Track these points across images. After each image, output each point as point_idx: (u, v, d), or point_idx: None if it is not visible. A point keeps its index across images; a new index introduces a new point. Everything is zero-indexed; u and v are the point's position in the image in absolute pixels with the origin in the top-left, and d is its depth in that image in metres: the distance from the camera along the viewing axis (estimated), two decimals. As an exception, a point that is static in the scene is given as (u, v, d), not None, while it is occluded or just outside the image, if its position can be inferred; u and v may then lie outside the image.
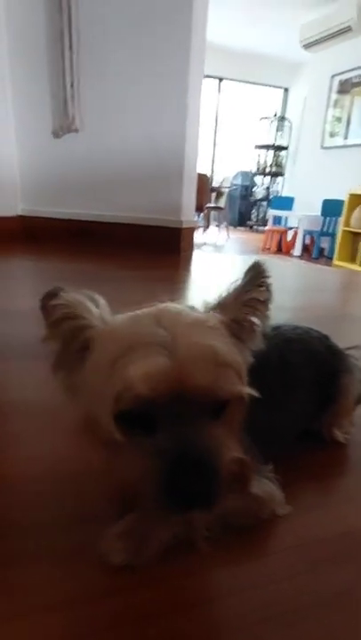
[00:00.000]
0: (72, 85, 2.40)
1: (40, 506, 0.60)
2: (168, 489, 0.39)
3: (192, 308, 0.50)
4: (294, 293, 2.07)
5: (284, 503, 0.59)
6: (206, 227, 6.11)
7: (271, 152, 7.40)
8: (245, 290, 0.51)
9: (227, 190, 6.57)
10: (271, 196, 7.36)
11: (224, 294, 0.51)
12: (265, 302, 0.52)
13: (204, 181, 4.74)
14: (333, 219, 5.26)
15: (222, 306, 0.50)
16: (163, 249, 2.46)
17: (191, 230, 2.74)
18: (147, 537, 0.51)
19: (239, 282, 0.51)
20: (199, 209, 4.86)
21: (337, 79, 5.49)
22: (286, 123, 7.40)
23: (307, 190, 6.09)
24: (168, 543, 0.52)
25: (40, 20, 2.32)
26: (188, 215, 2.65)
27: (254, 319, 0.51)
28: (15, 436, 0.77)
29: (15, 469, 0.67)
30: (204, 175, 4.96)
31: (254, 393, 0.44)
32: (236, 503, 0.54)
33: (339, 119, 5.56)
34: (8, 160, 2.57)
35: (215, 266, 2.67)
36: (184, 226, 2.57)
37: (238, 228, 7.86)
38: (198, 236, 3.84)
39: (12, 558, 0.51)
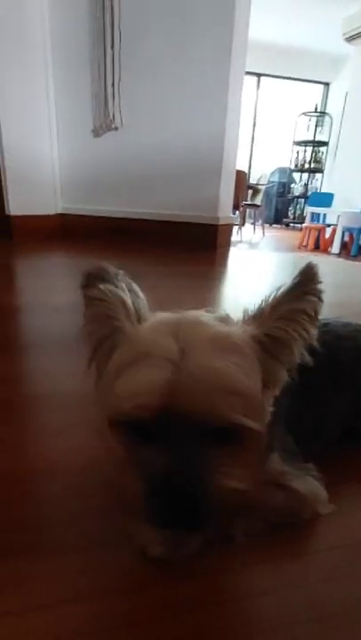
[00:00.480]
0: (113, 84, 2.43)
1: (77, 496, 0.60)
2: (151, 506, 0.39)
3: (223, 317, 0.47)
4: (332, 289, 2.01)
5: (328, 502, 0.57)
6: (242, 224, 6.04)
7: (310, 148, 7.22)
8: (288, 299, 0.45)
9: (263, 187, 6.47)
10: (309, 193, 7.19)
11: (262, 304, 0.46)
12: (312, 315, 0.46)
13: (241, 178, 4.68)
14: (375, 216, 5.07)
15: (257, 317, 0.46)
16: (199, 246, 2.46)
17: (228, 227, 2.72)
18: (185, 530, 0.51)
19: (285, 287, 0.46)
20: (235, 206, 4.81)
21: (381, 71, 5.28)
22: (327, 118, 7.20)
23: (347, 186, 5.90)
24: (207, 537, 0.51)
25: (83, 19, 2.36)
26: (226, 212, 2.63)
27: (294, 333, 0.45)
28: (55, 427, 0.79)
29: (56, 460, 0.68)
30: (242, 172, 4.91)
31: (259, 428, 0.40)
32: (278, 500, 0.54)
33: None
34: (49, 159, 2.64)
35: (251, 263, 2.64)
36: (221, 222, 2.55)
37: (274, 225, 7.73)
38: (233, 234, 3.81)
39: (49, 548, 0.51)
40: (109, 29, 2.35)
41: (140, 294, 0.50)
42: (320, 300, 0.45)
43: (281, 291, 0.46)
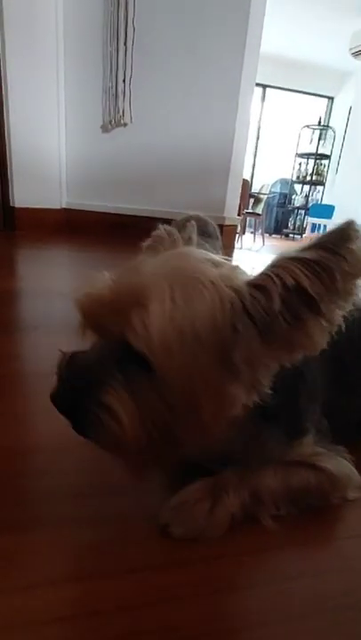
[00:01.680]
0: (124, 80, 2.43)
1: (83, 471, 0.57)
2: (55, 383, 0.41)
3: (220, 262, 0.41)
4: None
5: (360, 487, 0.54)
6: (242, 232, 6.05)
7: (312, 160, 7.29)
8: (299, 249, 0.36)
9: (265, 197, 6.50)
10: (310, 205, 7.24)
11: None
12: (323, 271, 0.35)
13: (244, 186, 4.69)
14: (375, 229, 5.10)
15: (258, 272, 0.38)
16: (204, 245, 2.44)
17: (233, 228, 2.71)
18: (210, 510, 0.48)
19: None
20: (237, 213, 4.82)
21: (386, 87, 5.36)
22: (330, 132, 7.28)
23: (348, 200, 5.94)
24: (233, 517, 0.48)
25: (97, 14, 2.36)
26: (232, 213, 2.62)
27: (278, 280, 0.36)
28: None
29: (59, 435, 0.65)
30: (245, 180, 4.93)
31: (154, 364, 0.35)
32: (308, 479, 0.51)
33: (384, 130, 5.42)
34: (56, 153, 2.62)
35: (255, 263, 2.61)
36: (226, 223, 2.54)
37: (274, 235, 7.76)
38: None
39: (52, 523, 0.48)
40: (123, 25, 2.35)
41: (195, 241, 0.48)
42: (346, 259, 0.35)
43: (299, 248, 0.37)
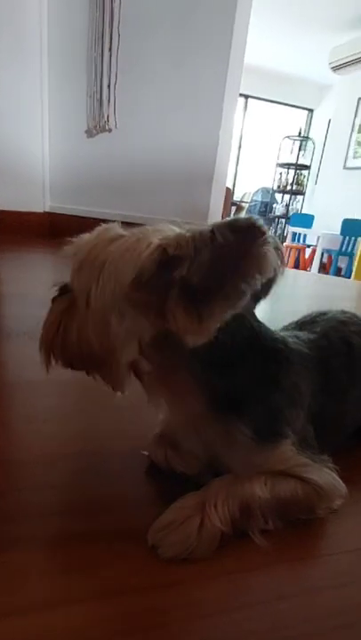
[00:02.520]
0: (109, 86, 2.42)
1: (72, 486, 0.56)
2: None
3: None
4: (306, 300, 2.03)
5: (347, 497, 0.54)
6: (224, 239, 6.10)
7: (293, 170, 7.42)
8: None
9: (246, 205, 6.59)
10: (291, 214, 7.37)
11: None
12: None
13: (227, 194, 4.75)
14: (353, 238, 5.22)
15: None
16: (188, 252, 2.44)
17: (217, 236, 2.72)
18: (199, 528, 0.47)
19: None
20: (220, 220, 4.85)
21: (364, 101, 5.53)
22: (309, 143, 7.44)
23: (327, 209, 6.08)
24: (223, 535, 0.47)
25: (82, 19, 2.34)
26: (216, 220, 2.63)
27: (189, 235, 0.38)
28: (48, 413, 0.74)
29: (50, 446, 0.63)
30: (228, 188, 4.98)
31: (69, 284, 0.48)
32: (296, 489, 0.50)
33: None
34: (39, 156, 2.59)
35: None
36: (211, 231, 2.55)
37: (255, 243, 7.86)
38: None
39: (45, 541, 0.46)
40: (108, 31, 2.34)
41: None
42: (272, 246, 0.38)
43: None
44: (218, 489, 0.49)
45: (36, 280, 1.62)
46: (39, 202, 2.64)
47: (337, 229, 5.39)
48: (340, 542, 0.51)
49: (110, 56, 2.38)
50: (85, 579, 0.42)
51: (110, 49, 2.37)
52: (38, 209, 2.64)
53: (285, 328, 0.69)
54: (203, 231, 0.38)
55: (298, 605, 0.42)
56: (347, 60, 5.37)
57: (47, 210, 2.67)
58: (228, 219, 0.38)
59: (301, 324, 0.68)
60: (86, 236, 0.47)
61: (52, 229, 2.62)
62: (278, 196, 7.78)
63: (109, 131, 2.50)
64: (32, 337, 1.00)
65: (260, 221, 0.38)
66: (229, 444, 0.50)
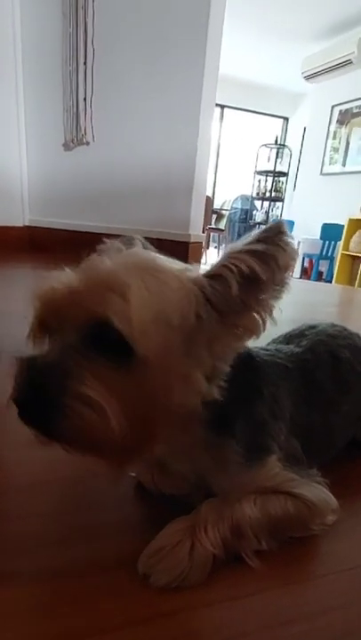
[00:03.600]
0: (85, 99, 2.42)
1: (59, 513, 0.53)
2: (14, 388, 0.38)
3: (187, 266, 0.44)
4: (291, 307, 2.04)
5: (339, 511, 0.53)
6: (206, 247, 6.14)
7: (271, 178, 7.53)
8: (246, 242, 0.41)
9: (227, 213, 6.65)
10: (271, 220, 7.45)
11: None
12: (270, 260, 0.40)
13: (207, 203, 4.79)
14: (332, 242, 5.31)
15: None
16: (170, 262, 2.44)
17: (199, 245, 2.73)
18: (191, 553, 0.45)
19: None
20: (201, 230, 4.88)
21: (337, 109, 5.65)
22: (286, 150, 7.57)
23: (306, 215, 6.17)
24: (215, 559, 0.46)
25: (55, 34, 2.35)
26: (197, 230, 2.64)
27: (233, 267, 0.40)
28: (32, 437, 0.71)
29: (36, 472, 0.61)
30: (208, 197, 5.01)
31: (135, 347, 0.36)
32: (287, 506, 0.49)
33: (336, 149, 5.70)
34: (17, 170, 2.56)
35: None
36: (192, 240, 2.55)
37: (237, 250, 7.93)
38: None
39: (29, 575, 0.44)
40: (82, 45, 2.35)
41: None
42: (285, 249, 0.40)
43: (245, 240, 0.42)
44: (207, 512, 0.48)
45: (17, 297, 1.59)
46: (18, 216, 2.62)
47: (317, 234, 5.48)
48: (336, 561, 0.50)
49: (85, 70, 2.39)
50: (74, 615, 0.40)
51: (85, 63, 2.37)
52: (18, 223, 2.61)
53: (274, 341, 0.68)
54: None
55: (299, 632, 0.41)
56: (319, 70, 5.49)
57: (27, 224, 2.64)
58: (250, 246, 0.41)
59: (289, 338, 0.68)
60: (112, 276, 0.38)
61: (32, 243, 2.59)
62: (258, 203, 7.87)
63: (87, 144, 2.50)
64: (12, 356, 0.98)
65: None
66: (222, 466, 0.49)
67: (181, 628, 0.39)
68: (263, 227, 0.42)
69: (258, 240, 0.41)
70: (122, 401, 0.37)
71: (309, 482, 0.52)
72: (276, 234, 0.41)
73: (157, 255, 0.45)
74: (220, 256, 0.42)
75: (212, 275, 0.41)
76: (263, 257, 0.40)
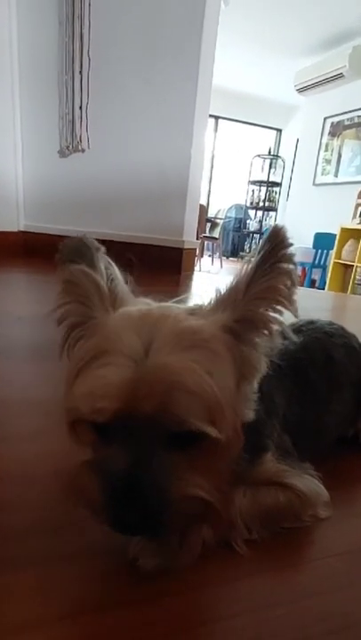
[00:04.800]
0: (81, 107, 2.45)
1: (51, 503, 0.54)
2: (108, 510, 0.36)
3: (194, 310, 0.44)
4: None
5: (330, 504, 0.54)
6: (201, 255, 6.18)
7: (264, 187, 7.63)
8: (261, 274, 0.42)
9: (221, 222, 6.71)
10: (264, 229, 7.53)
11: (233, 284, 0.43)
12: (288, 285, 0.42)
13: (201, 211, 4.83)
14: (325, 251, 5.38)
15: (229, 301, 0.43)
16: (164, 268, 2.46)
17: (192, 252, 2.75)
18: (181, 538, 0.46)
19: (255, 259, 0.42)
20: (195, 237, 4.92)
21: (329, 121, 5.76)
22: (279, 161, 7.68)
23: (299, 224, 6.24)
24: (204, 545, 0.46)
25: (52, 44, 2.38)
26: (190, 237, 2.67)
27: (269, 314, 0.42)
28: (26, 432, 0.72)
29: (29, 465, 0.62)
30: (202, 205, 5.06)
31: (219, 435, 0.36)
32: (277, 497, 0.50)
33: (328, 161, 5.80)
34: (12, 176, 2.58)
35: (215, 286, 2.66)
36: (186, 246, 2.58)
37: (231, 258, 7.98)
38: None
39: (24, 561, 0.45)
40: (78, 55, 2.38)
41: (119, 276, 0.46)
42: (294, 264, 0.42)
43: (251, 265, 0.42)
44: None
45: (12, 300, 1.60)
46: (13, 221, 2.62)
47: (309, 243, 5.54)
48: (322, 548, 0.51)
49: (81, 78, 2.42)
50: (68, 597, 0.41)
51: (81, 72, 2.41)
52: (13, 228, 2.62)
53: None
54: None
55: (284, 613, 0.41)
56: (311, 83, 5.61)
57: (22, 229, 2.65)
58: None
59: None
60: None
61: (26, 248, 2.60)
62: (251, 213, 7.96)
63: (82, 151, 2.52)
64: (6, 356, 0.99)
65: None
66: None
67: (168, 610, 0.40)
68: (265, 239, 0.42)
69: (270, 265, 0.41)
70: (212, 476, 0.39)
71: (301, 473, 0.53)
72: (280, 249, 0.41)
73: (172, 309, 0.43)
74: (233, 290, 0.43)
75: (242, 319, 0.42)
76: (284, 289, 0.42)
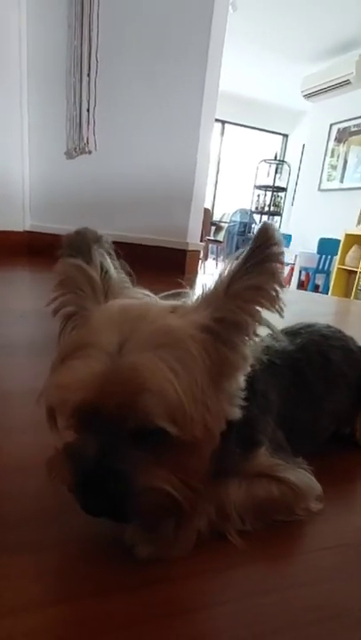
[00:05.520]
0: (88, 109, 2.48)
1: (55, 493, 0.55)
2: (76, 493, 0.39)
3: (176, 307, 0.43)
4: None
5: (322, 498, 0.55)
6: (205, 258, 6.20)
7: (270, 192, 7.64)
8: (244, 271, 0.41)
9: (226, 225, 6.73)
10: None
11: (217, 281, 0.43)
12: (273, 285, 0.41)
13: (206, 215, 4.85)
14: (329, 257, 5.38)
15: (211, 299, 0.43)
16: (168, 269, 2.47)
17: (196, 254, 2.77)
18: (176, 528, 0.47)
19: (241, 256, 0.41)
20: (200, 240, 4.94)
21: (335, 127, 5.78)
22: (285, 166, 7.70)
23: (303, 229, 6.25)
24: (199, 535, 0.47)
25: (60, 47, 2.41)
26: (194, 239, 2.68)
27: (247, 316, 0.41)
28: (25, 423, 0.73)
29: (28, 456, 0.63)
30: (207, 209, 5.09)
31: (179, 433, 0.37)
32: (271, 489, 0.51)
33: (334, 167, 5.81)
34: (19, 177, 2.61)
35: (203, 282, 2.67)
36: (190, 248, 2.59)
37: (235, 262, 8.00)
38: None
39: (22, 547, 0.46)
40: (86, 58, 2.41)
41: (112, 269, 0.48)
42: (280, 263, 0.41)
43: (236, 262, 0.42)
44: None
45: (15, 297, 1.62)
46: (19, 221, 2.65)
47: (313, 248, 5.55)
48: (314, 541, 0.52)
49: (89, 81, 2.45)
50: (64, 582, 0.42)
51: (89, 75, 2.44)
52: (18, 228, 2.64)
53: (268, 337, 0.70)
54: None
55: (274, 602, 0.42)
56: (318, 89, 5.63)
57: (27, 229, 2.68)
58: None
59: (285, 335, 0.70)
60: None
61: (32, 248, 2.62)
62: (256, 217, 7.97)
63: (89, 153, 2.55)
64: (8, 352, 1.00)
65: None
66: (219, 460, 0.49)
67: (160, 596, 0.41)
68: (253, 237, 0.41)
69: (253, 262, 0.41)
70: (178, 471, 0.40)
71: (295, 467, 0.54)
72: (266, 247, 0.41)
73: (154, 304, 0.44)
74: (217, 289, 0.42)
75: (221, 318, 0.41)
76: (267, 287, 0.41)
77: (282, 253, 0.42)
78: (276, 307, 0.43)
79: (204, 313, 0.42)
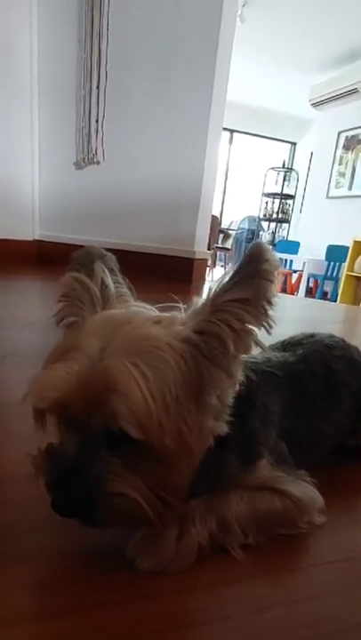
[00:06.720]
0: (97, 120, 2.51)
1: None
2: (48, 493, 0.40)
3: (160, 319, 0.44)
4: (294, 324, 2.06)
5: (325, 510, 0.54)
6: (213, 266, 6.21)
7: (278, 200, 7.65)
8: (229, 286, 0.41)
9: (234, 233, 6.74)
10: (277, 241, 7.55)
11: (207, 295, 0.43)
12: (255, 305, 0.41)
13: (214, 222, 4.87)
14: (337, 264, 5.36)
15: (198, 312, 0.43)
16: (175, 278, 2.49)
17: (204, 262, 2.78)
18: (177, 541, 0.47)
19: (230, 272, 0.42)
20: (207, 247, 4.96)
21: (343, 135, 5.79)
22: (293, 174, 7.71)
23: (312, 236, 6.25)
24: (200, 548, 0.47)
25: (70, 58, 2.46)
26: (202, 247, 2.69)
27: (226, 328, 0.40)
28: (33, 432, 0.73)
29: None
30: (215, 217, 5.11)
31: (142, 438, 0.37)
32: (273, 502, 0.51)
33: (343, 174, 5.81)
34: (29, 186, 2.65)
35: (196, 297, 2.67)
36: (197, 257, 2.60)
37: (243, 270, 7.99)
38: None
39: (24, 556, 0.46)
40: (96, 70, 2.46)
41: (111, 283, 0.49)
42: (269, 280, 0.40)
43: (225, 278, 0.42)
44: (196, 505, 0.49)
45: (24, 306, 1.63)
46: (29, 231, 2.69)
47: (322, 255, 5.53)
48: (318, 555, 0.51)
49: (98, 93, 2.49)
50: (66, 593, 0.42)
51: (98, 87, 2.48)
52: (28, 237, 2.68)
53: (270, 348, 0.70)
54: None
55: (275, 617, 0.42)
56: (326, 98, 5.65)
57: (37, 238, 2.72)
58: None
59: (286, 345, 0.70)
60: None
61: (41, 257, 2.65)
62: (265, 224, 7.98)
63: (97, 163, 2.58)
64: (15, 361, 1.01)
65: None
66: (219, 473, 0.50)
67: (161, 610, 0.41)
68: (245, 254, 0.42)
69: (240, 277, 0.41)
70: (149, 481, 0.40)
71: (297, 480, 0.53)
72: (256, 265, 0.40)
73: (139, 314, 0.45)
74: (205, 303, 0.42)
75: (203, 331, 0.41)
76: (252, 302, 0.40)
77: (272, 272, 0.41)
78: (263, 323, 0.42)
79: (187, 325, 0.42)
